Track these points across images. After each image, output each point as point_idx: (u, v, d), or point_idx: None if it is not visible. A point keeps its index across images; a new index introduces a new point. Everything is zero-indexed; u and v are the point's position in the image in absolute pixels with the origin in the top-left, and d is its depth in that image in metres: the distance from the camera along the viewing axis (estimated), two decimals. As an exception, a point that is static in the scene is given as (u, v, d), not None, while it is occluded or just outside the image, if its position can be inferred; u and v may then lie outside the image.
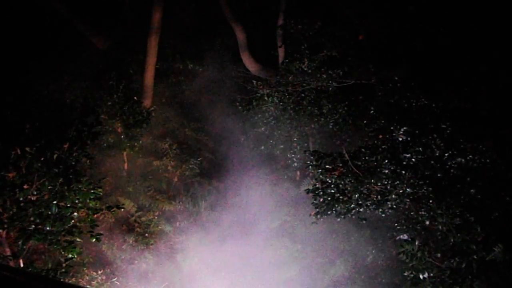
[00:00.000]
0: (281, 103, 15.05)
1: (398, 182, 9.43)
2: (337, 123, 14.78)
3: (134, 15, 18.25)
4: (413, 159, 9.57)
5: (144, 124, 14.27)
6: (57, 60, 16.12)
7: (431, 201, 9.05)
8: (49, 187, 7.73)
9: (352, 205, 9.71)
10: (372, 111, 11.09)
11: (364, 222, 10.51)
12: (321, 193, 9.99)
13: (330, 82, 14.21)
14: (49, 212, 7.63)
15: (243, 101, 15.89)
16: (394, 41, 12.98)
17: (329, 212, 9.92)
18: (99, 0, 18.07)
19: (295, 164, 15.42)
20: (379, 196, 9.54)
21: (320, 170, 10.06)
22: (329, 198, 9.87)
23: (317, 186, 10.16)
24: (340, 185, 9.84)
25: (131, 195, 14.02)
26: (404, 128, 9.89)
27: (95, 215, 8.31)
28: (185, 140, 16.81)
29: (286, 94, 14.87)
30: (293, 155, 15.36)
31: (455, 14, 11.98)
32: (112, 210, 8.58)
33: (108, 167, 14.52)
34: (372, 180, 9.57)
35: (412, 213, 9.60)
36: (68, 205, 7.86)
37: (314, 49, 14.60)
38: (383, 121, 10.67)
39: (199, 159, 16.13)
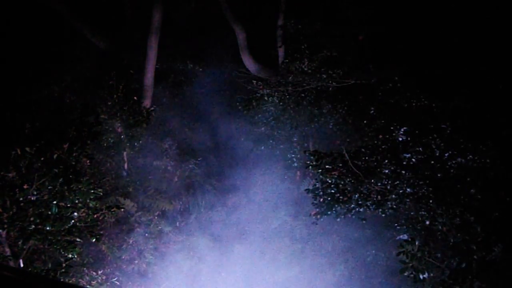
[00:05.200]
0: (281, 103, 15.04)
1: (398, 182, 9.43)
2: (337, 123, 14.78)
3: (134, 15, 18.23)
4: (413, 159, 9.57)
5: (144, 124, 14.27)
6: (57, 60, 16.11)
7: (431, 201, 9.04)
8: (49, 187, 7.73)
9: (352, 205, 9.71)
10: (372, 111, 11.10)
11: (364, 222, 10.51)
12: (321, 193, 9.99)
13: (330, 82, 14.20)
14: (49, 212, 7.64)
15: (243, 101, 15.88)
16: (394, 41, 12.97)
17: (329, 212, 9.92)
18: (99, 1, 18.07)
19: (295, 164, 15.41)
20: (379, 196, 9.54)
21: (320, 170, 10.06)
22: (329, 198, 9.87)
23: (317, 186, 10.17)
24: (340, 185, 9.84)
25: (131, 195, 14.01)
26: (404, 128, 9.89)
27: (95, 215, 8.32)
28: (185, 140, 16.80)
29: (286, 94, 14.87)
30: (293, 155, 15.36)
31: (455, 14, 11.98)
32: (112, 210, 8.59)
33: (108, 167, 14.52)
34: (372, 180, 9.57)
35: (412, 213, 9.60)
36: (68, 205, 7.86)
37: (314, 49, 14.59)
38: (383, 121, 10.68)
39: (199, 159, 16.12)
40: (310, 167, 10.38)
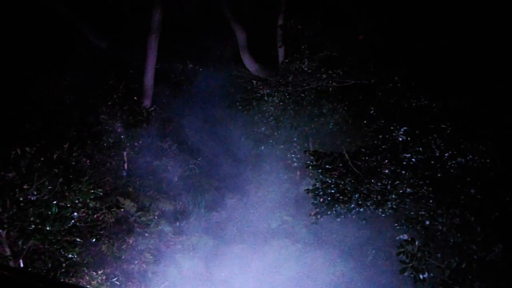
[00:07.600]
0: (281, 103, 15.05)
1: (398, 182, 9.42)
2: (337, 123, 14.78)
3: (134, 15, 18.24)
4: (413, 159, 9.56)
5: (144, 124, 14.28)
6: (57, 60, 16.11)
7: (431, 201, 9.04)
8: (49, 187, 7.75)
9: (352, 205, 9.71)
10: (372, 111, 11.08)
11: (364, 222, 10.51)
12: (321, 193, 9.98)
13: (330, 82, 14.20)
14: (49, 212, 7.64)
15: (243, 101, 15.88)
16: (394, 41, 12.96)
17: (329, 212, 9.92)
18: (99, 0, 18.07)
19: (295, 164, 15.41)
20: (379, 196, 9.54)
21: (320, 170, 10.06)
22: (329, 198, 9.87)
23: (317, 186, 10.16)
24: (340, 185, 9.83)
25: (131, 195, 14.01)
26: (404, 128, 9.88)
27: (95, 215, 8.33)
28: (185, 140, 16.81)
29: (286, 94, 14.87)
30: (293, 155, 15.36)
31: (455, 14, 11.97)
32: (112, 210, 8.61)
33: (108, 167, 14.51)
34: (372, 180, 9.56)
35: (412, 213, 9.59)
36: (68, 205, 7.87)
37: (314, 49, 14.60)
38: (383, 121, 10.66)
39: (199, 159, 16.12)
40: (310, 167, 10.38)
